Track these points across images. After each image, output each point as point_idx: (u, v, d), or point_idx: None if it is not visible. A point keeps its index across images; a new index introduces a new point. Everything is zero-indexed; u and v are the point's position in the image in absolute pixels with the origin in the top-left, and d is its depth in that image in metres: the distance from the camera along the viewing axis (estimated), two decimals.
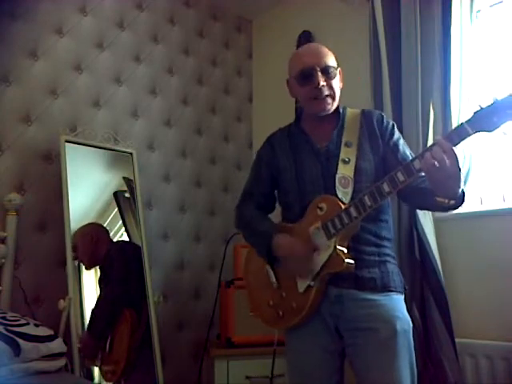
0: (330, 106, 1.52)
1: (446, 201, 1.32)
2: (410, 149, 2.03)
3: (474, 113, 1.24)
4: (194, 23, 3.01)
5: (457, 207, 1.37)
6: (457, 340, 1.93)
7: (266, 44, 3.22)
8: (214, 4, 3.12)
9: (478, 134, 1.23)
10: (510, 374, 1.80)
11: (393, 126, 1.57)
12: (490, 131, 1.22)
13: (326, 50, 1.54)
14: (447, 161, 1.22)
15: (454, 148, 1.23)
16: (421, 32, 2.14)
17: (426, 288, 2.00)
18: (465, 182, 2.00)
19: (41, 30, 2.34)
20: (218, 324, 2.49)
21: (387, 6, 2.27)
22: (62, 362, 1.76)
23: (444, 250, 2.07)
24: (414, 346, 1.43)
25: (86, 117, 2.44)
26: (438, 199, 1.33)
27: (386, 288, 1.44)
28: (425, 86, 2.10)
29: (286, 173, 1.58)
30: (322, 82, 1.48)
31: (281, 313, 1.49)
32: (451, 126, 2.02)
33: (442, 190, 1.30)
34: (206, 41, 3.06)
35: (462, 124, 1.24)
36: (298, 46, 2.78)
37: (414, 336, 1.46)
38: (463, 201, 1.36)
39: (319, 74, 1.48)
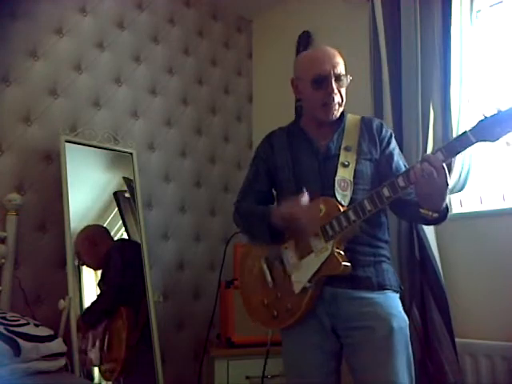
0: (336, 113, 1.55)
1: (430, 213, 1.36)
2: (410, 149, 2.06)
3: (478, 122, 1.25)
4: (194, 23, 3.00)
5: (439, 221, 1.42)
6: (457, 340, 1.93)
7: (266, 44, 3.22)
8: (214, 4, 3.12)
9: (480, 143, 1.24)
10: (510, 373, 1.80)
11: (391, 135, 1.59)
12: (493, 141, 1.23)
13: (339, 57, 1.55)
14: (436, 175, 1.25)
15: (443, 164, 1.26)
16: (421, 32, 2.14)
17: (426, 288, 2.00)
18: (465, 182, 2.01)
19: (41, 30, 2.34)
20: (218, 324, 2.49)
21: (387, 6, 2.27)
22: (61, 362, 1.75)
23: (444, 249, 2.07)
24: (414, 345, 1.43)
25: (86, 117, 2.44)
26: (422, 211, 1.37)
27: (381, 286, 1.44)
28: (425, 87, 2.10)
29: (283, 171, 1.59)
30: (336, 90, 1.50)
31: (275, 313, 1.49)
32: (451, 126, 2.01)
33: (428, 202, 1.35)
34: (205, 41, 3.06)
35: (465, 132, 1.26)
36: (298, 46, 2.78)
37: (413, 335, 1.46)
38: (446, 216, 1.40)
39: (333, 80, 1.50)
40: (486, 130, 1.23)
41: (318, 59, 1.55)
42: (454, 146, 1.27)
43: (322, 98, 1.52)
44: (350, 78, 1.55)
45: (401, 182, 1.31)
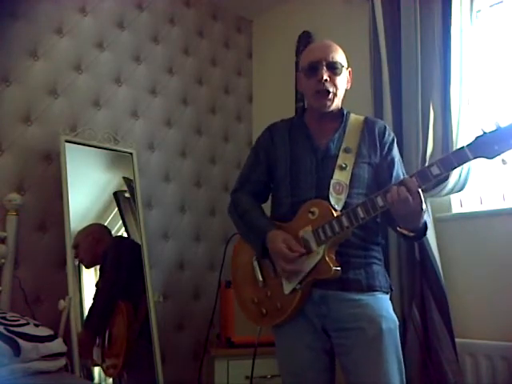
0: (330, 103, 1.53)
1: (406, 232, 1.41)
2: (410, 149, 2.06)
3: (476, 138, 1.25)
4: (194, 23, 3.00)
5: (417, 239, 1.49)
6: (457, 340, 1.93)
7: (266, 44, 3.22)
8: (214, 4, 3.12)
9: (477, 159, 1.25)
10: (510, 373, 1.80)
11: (393, 139, 1.59)
12: (490, 158, 1.24)
13: (336, 47, 1.56)
14: (411, 200, 1.27)
15: (419, 190, 1.28)
16: (421, 32, 2.14)
17: (425, 288, 2.00)
18: (465, 182, 2.01)
19: (41, 30, 2.34)
20: (218, 324, 2.49)
21: (387, 6, 2.28)
22: (61, 362, 1.75)
23: (444, 249, 2.07)
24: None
25: (86, 117, 2.44)
26: (399, 229, 1.42)
27: (370, 288, 1.45)
28: (425, 87, 2.10)
29: (280, 163, 1.59)
30: (326, 77, 1.50)
31: (264, 311, 1.50)
32: (451, 126, 2.02)
33: (403, 222, 1.39)
34: (205, 41, 3.06)
35: (462, 148, 1.26)
36: (298, 46, 2.78)
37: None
38: (424, 234, 1.44)
39: (324, 68, 1.50)
40: (483, 147, 1.23)
41: (312, 49, 1.60)
42: (451, 160, 1.27)
43: (313, 85, 1.52)
44: (349, 69, 1.57)
45: (380, 201, 1.33)
